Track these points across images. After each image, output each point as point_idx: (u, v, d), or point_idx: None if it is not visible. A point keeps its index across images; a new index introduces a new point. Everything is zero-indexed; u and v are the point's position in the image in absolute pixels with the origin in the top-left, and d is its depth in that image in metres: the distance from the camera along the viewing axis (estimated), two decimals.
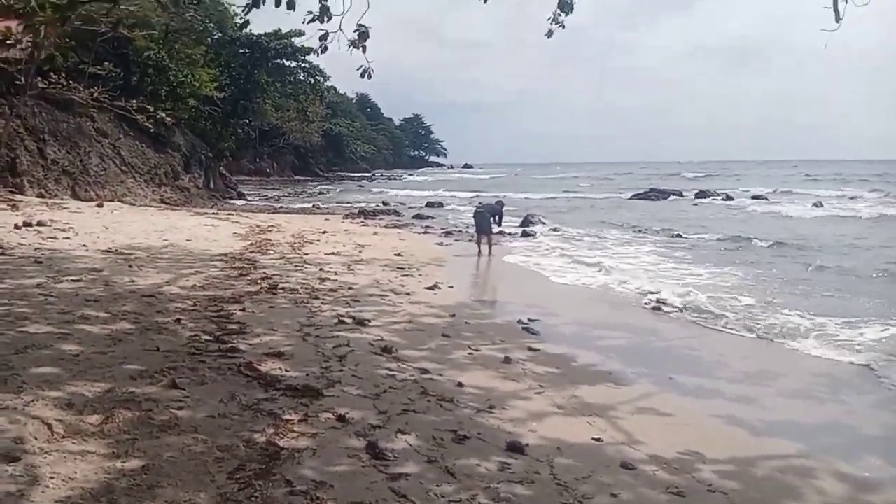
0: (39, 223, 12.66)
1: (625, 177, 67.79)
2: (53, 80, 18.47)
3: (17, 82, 17.63)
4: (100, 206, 18.85)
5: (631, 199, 36.54)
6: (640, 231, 19.88)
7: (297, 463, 3.49)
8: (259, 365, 5.14)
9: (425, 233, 19.10)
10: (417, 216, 25.16)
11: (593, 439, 4.34)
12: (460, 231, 19.01)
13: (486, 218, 14.50)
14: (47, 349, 4.85)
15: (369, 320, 7.10)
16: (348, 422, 4.13)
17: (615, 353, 6.83)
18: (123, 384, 4.36)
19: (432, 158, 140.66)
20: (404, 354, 5.88)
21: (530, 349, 6.57)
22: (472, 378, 5.38)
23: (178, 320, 6.42)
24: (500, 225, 15.47)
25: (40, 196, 19.62)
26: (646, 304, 9.40)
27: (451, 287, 10.05)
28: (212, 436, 3.74)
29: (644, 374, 6.11)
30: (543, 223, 21.08)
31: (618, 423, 4.70)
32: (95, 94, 21.08)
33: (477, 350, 6.30)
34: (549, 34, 8.68)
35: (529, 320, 7.94)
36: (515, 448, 3.98)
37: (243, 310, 7.17)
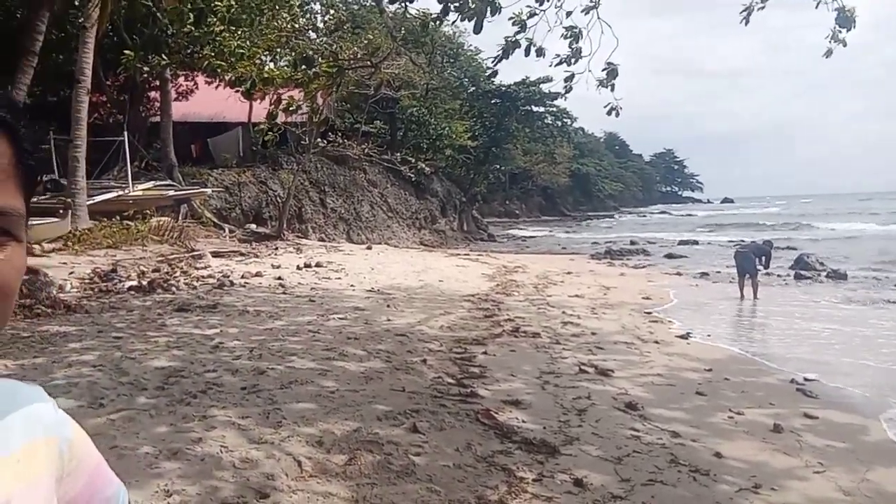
0: (317, 264, 14.30)
1: None
2: (332, 139, 21.28)
3: (303, 142, 20.66)
4: (369, 248, 20.83)
5: None
6: None
7: None
8: (496, 413, 5.03)
9: (678, 274, 17.84)
10: (669, 256, 23.75)
11: None
12: (719, 273, 17.40)
13: (750, 258, 13.05)
14: (308, 385, 5.27)
15: (613, 370, 6.64)
16: (586, 487, 3.78)
17: None
18: (370, 424, 4.52)
19: (686, 194, 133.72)
20: (652, 413, 5.33)
21: (807, 416, 5.56)
22: (734, 448, 4.66)
23: (425, 360, 6.63)
24: (766, 267, 13.80)
25: (321, 240, 22.41)
26: None
27: (708, 336, 9.12)
28: (446, 487, 3.67)
29: None
30: (821, 265, 18.37)
31: None
32: (366, 150, 23.86)
33: (739, 413, 5.50)
34: (829, 54, 7.70)
35: (806, 380, 6.78)
36: None
37: (485, 352, 7.20)
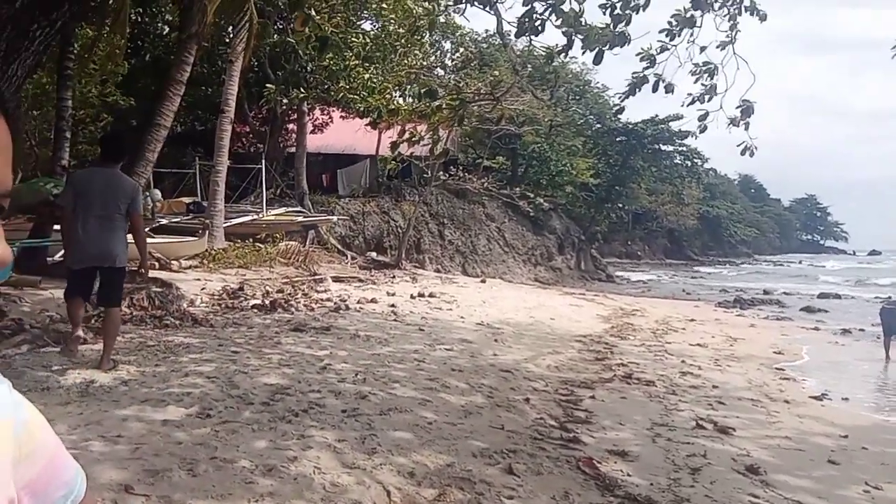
0: (431, 294, 14.44)
1: None
2: (453, 173, 21.78)
3: (425, 175, 21.25)
4: (483, 282, 20.82)
5: None
6: None
7: None
8: (599, 463, 4.74)
9: (815, 329, 16.36)
10: (807, 309, 21.91)
11: None
12: (862, 330, 15.80)
13: None
14: (407, 413, 5.23)
15: (735, 429, 6.11)
16: None
17: None
18: (464, 460, 4.40)
19: (829, 243, 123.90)
20: (775, 479, 4.82)
21: None
22: None
23: (528, 400, 6.42)
24: None
25: (437, 271, 22.71)
26: None
27: (846, 399, 8.24)
28: None
29: None
30: None
31: None
32: (486, 185, 24.16)
33: (877, 488, 4.85)
34: None
35: None
36: None
37: (593, 397, 6.88)
